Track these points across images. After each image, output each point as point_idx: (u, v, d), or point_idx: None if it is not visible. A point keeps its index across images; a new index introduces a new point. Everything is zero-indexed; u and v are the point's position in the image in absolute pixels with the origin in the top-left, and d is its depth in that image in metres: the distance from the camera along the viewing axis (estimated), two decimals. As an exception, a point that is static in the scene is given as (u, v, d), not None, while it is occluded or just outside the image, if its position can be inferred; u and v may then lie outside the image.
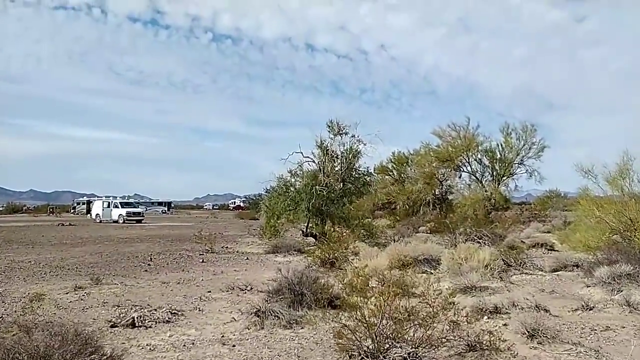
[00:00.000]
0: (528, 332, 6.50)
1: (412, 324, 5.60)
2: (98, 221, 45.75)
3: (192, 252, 18.26)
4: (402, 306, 5.82)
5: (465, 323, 6.17)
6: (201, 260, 15.87)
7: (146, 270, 13.53)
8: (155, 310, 8.20)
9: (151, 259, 15.96)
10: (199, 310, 8.56)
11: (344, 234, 15.21)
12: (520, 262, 13.70)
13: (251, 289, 10.37)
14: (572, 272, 13.14)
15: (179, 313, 8.21)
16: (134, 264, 14.77)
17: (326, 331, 7.08)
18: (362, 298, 6.50)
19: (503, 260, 13.33)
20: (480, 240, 18.05)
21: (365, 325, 5.64)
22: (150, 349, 6.33)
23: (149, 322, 7.49)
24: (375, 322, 5.67)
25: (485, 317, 7.97)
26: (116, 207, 46.09)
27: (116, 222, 44.08)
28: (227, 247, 20.64)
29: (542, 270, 13.47)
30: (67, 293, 9.84)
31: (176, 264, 15.18)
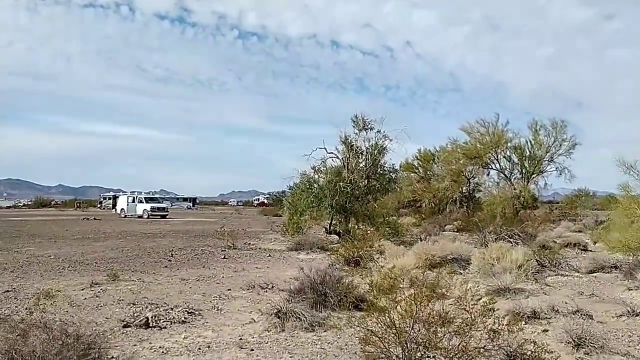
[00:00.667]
0: (573, 340, 5.91)
1: (447, 331, 5.07)
2: (123, 216, 45.93)
3: (214, 248, 17.94)
4: (435, 311, 5.28)
5: (506, 331, 5.59)
6: (223, 257, 15.52)
7: (166, 267, 13.22)
8: (172, 309, 7.81)
9: (172, 254, 15.68)
10: (217, 310, 8.15)
11: (369, 231, 14.69)
12: (555, 263, 13.03)
13: (272, 287, 9.94)
14: (611, 274, 12.43)
15: (196, 312, 7.81)
16: (154, 260, 14.48)
17: (351, 335, 6.59)
18: (390, 301, 5.98)
19: (537, 260, 12.69)
20: (511, 240, 17.36)
21: (395, 331, 5.13)
22: (162, 352, 5.93)
23: (163, 322, 7.10)
24: (406, 328, 5.15)
25: (523, 322, 7.39)
26: (141, 202, 46.21)
27: (140, 217, 44.17)
28: (249, 243, 20.29)
29: (578, 272, 12.78)
30: (82, 289, 9.53)
31: (197, 260, 14.85)
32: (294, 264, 14.57)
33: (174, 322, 7.15)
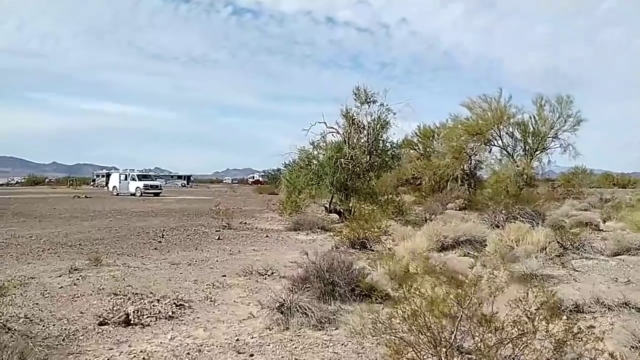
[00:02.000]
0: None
1: (499, 338, 4.05)
2: (115, 194, 44.77)
3: (208, 227, 16.91)
4: (480, 311, 4.25)
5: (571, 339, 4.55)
6: (217, 238, 14.49)
7: (156, 249, 12.18)
8: (158, 300, 6.80)
9: (163, 235, 14.63)
10: (210, 301, 7.13)
11: (373, 210, 13.67)
12: (578, 245, 12.05)
13: (272, 273, 8.92)
14: (638, 257, 11.48)
15: (186, 305, 6.79)
16: (144, 241, 13.44)
17: (367, 334, 5.58)
18: (416, 295, 4.95)
19: (559, 242, 11.70)
20: (524, 219, 16.40)
21: (432, 340, 4.10)
22: (143, 358, 4.91)
23: (147, 317, 6.08)
24: (445, 335, 4.13)
25: (565, 317, 6.40)
26: (133, 179, 45.01)
27: (133, 195, 43.05)
28: (245, 222, 19.25)
29: (602, 254, 11.81)
30: (59, 276, 8.47)
31: (190, 241, 13.82)
32: (293, 245, 13.57)
33: (160, 318, 6.13)
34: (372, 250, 11.42)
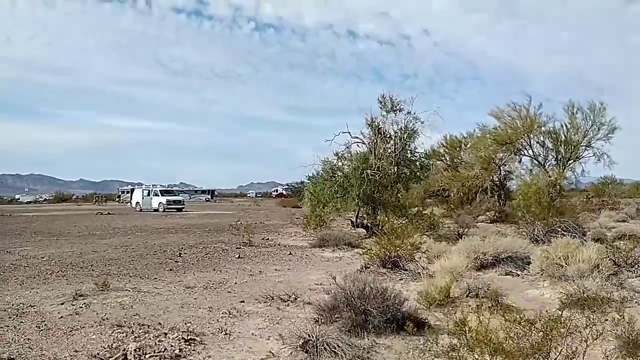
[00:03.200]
0: None
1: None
2: (138, 210, 44.50)
3: (228, 245, 16.09)
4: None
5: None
6: (237, 256, 13.64)
7: (171, 270, 11.36)
8: (165, 334, 5.93)
9: (180, 254, 13.83)
10: (225, 334, 6.22)
11: (403, 225, 12.68)
12: (632, 262, 10.88)
13: (295, 299, 7.98)
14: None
15: (197, 339, 5.90)
16: (159, 261, 12.65)
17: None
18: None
19: (612, 259, 10.56)
20: (565, 233, 15.22)
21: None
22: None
23: (150, 357, 5.21)
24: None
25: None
26: (156, 195, 44.70)
27: (156, 210, 42.70)
28: (267, 238, 18.39)
29: (661, 273, 10.63)
30: (62, 304, 7.68)
31: (208, 260, 12.99)
32: (318, 264, 12.66)
33: (164, 358, 5.25)
34: (405, 270, 10.42)
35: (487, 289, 7.93)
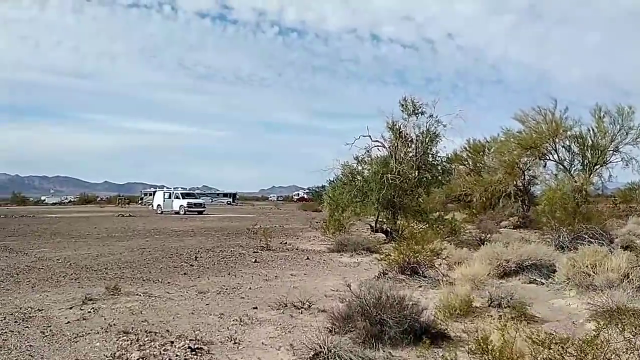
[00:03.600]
0: None
1: None
2: (159, 212, 44.68)
3: (245, 248, 15.88)
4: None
5: None
6: (253, 260, 13.42)
7: (185, 274, 11.17)
8: (172, 342, 5.70)
9: (196, 257, 13.65)
10: (234, 343, 5.96)
11: (423, 230, 12.32)
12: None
13: (310, 306, 7.69)
14: None
15: (204, 348, 5.65)
16: (175, 264, 12.49)
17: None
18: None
19: (644, 269, 10.04)
20: (592, 240, 14.67)
21: None
22: None
23: (153, 367, 4.98)
24: None
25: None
26: (177, 197, 44.85)
27: (177, 213, 42.82)
28: (285, 242, 18.16)
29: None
30: (70, 308, 7.52)
31: (224, 264, 12.78)
32: (336, 269, 12.37)
33: (168, 369, 5.01)
34: (425, 277, 10.06)
35: (511, 299, 7.54)
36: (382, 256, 10.88)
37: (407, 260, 10.35)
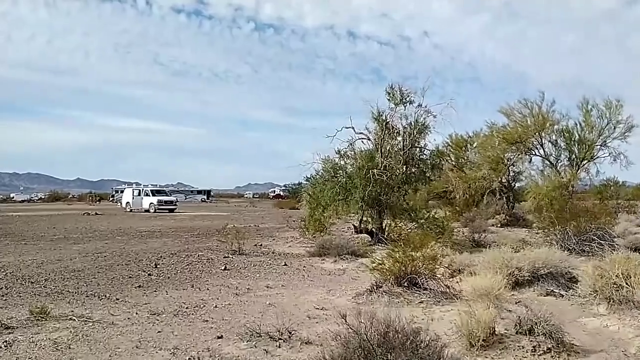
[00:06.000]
0: None
1: None
2: (128, 210, 42.49)
3: (215, 252, 14.12)
4: None
5: None
6: (223, 267, 11.67)
7: (140, 286, 9.37)
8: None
9: (156, 265, 11.84)
10: (186, 400, 4.26)
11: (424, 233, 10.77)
12: None
13: (290, 335, 5.99)
14: None
15: (141, 413, 3.94)
16: (130, 274, 10.67)
17: None
18: None
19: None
20: (603, 242, 13.28)
21: None
22: None
23: None
24: None
25: None
26: (147, 195, 42.71)
27: (147, 211, 40.73)
28: (260, 244, 16.43)
29: None
30: (-24, 341, 5.72)
31: (188, 273, 11.01)
32: (318, 278, 10.72)
33: None
34: (426, 290, 8.47)
35: (545, 323, 5.96)
36: (373, 264, 9.20)
37: (404, 269, 8.73)
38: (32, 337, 5.91)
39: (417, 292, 8.43)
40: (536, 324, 5.98)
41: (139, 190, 43.92)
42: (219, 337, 6.10)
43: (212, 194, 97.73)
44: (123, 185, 78.01)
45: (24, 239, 17.54)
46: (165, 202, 42.16)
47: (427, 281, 8.72)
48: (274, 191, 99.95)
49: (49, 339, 5.86)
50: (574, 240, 13.59)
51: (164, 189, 50.43)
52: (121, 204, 47.35)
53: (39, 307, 6.74)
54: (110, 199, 75.77)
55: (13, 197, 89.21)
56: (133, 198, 43.30)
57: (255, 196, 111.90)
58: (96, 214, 36.07)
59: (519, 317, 6.18)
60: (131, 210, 41.99)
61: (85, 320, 6.66)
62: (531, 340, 5.83)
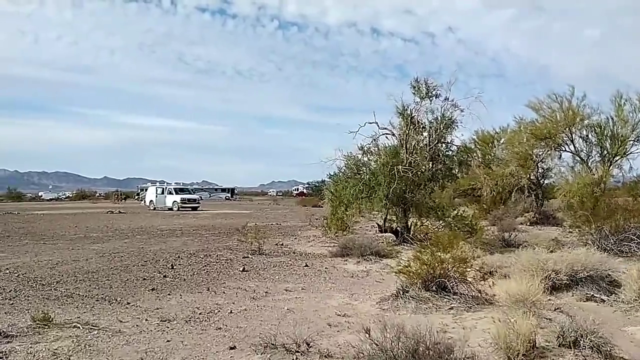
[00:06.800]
0: None
1: None
2: (152, 208, 42.44)
3: (235, 252, 13.69)
4: None
5: None
6: (242, 269, 11.22)
7: (154, 289, 8.96)
8: None
9: (173, 265, 11.44)
10: None
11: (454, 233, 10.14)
12: None
13: (308, 347, 5.47)
14: None
15: None
16: (146, 275, 10.29)
17: None
18: None
19: None
20: (631, 243, 12.49)
21: None
22: None
23: None
24: None
25: None
26: (170, 193, 42.59)
27: (170, 209, 40.60)
28: (281, 244, 15.95)
29: None
30: (-31, 352, 5.34)
31: (204, 275, 10.57)
32: (340, 280, 10.18)
33: None
34: (455, 294, 7.87)
35: (594, 336, 5.33)
36: (399, 266, 8.63)
37: (432, 272, 8.14)
38: (30, 347, 5.50)
39: (447, 296, 7.84)
40: (581, 335, 5.36)
41: (163, 188, 43.90)
42: (231, 348, 5.62)
43: (236, 191, 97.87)
44: (148, 184, 78.61)
45: (43, 239, 17.36)
46: (189, 200, 41.97)
47: (457, 285, 8.12)
48: (297, 189, 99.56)
49: (49, 349, 5.44)
50: (612, 240, 12.81)
51: (187, 187, 50.40)
52: (145, 202, 47.42)
53: (42, 314, 6.33)
54: (136, 197, 76.25)
55: (41, 196, 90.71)
56: (156, 196, 43.25)
57: (278, 194, 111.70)
58: (119, 212, 36.10)
59: (562, 327, 5.55)
60: (154, 209, 41.95)
61: (91, 328, 6.24)
62: (576, 355, 5.22)
